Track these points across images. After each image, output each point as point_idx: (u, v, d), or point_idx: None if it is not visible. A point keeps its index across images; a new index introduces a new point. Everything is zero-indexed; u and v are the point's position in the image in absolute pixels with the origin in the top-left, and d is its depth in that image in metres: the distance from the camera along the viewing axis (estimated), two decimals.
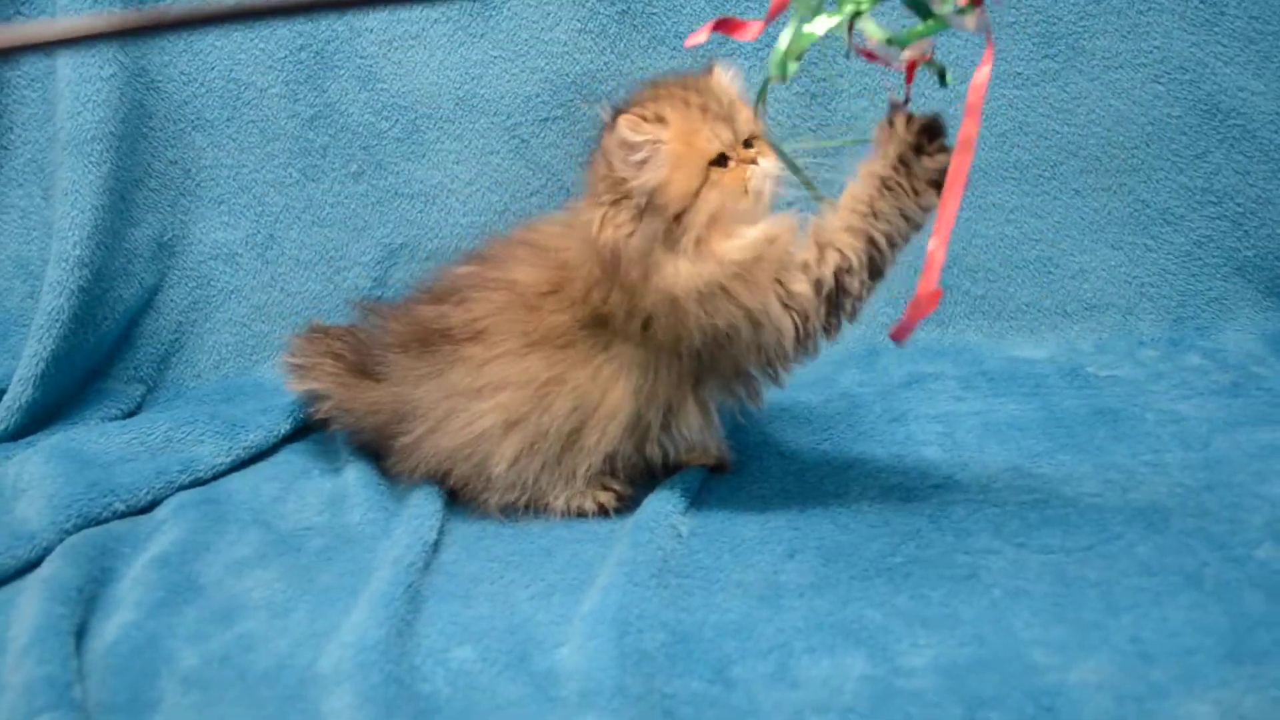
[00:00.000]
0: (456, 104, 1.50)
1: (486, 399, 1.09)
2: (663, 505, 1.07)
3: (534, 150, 1.51)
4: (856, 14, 0.86)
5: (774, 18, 0.88)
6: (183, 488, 1.19)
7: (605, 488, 1.12)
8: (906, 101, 1.04)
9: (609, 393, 1.07)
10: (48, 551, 1.04)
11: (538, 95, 1.51)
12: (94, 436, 1.26)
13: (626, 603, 0.88)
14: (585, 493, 1.11)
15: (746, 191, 1.02)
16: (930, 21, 0.86)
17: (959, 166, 0.86)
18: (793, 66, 0.85)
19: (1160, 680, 0.79)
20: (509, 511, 1.11)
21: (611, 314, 1.06)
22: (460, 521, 1.11)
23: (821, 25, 0.84)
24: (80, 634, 0.90)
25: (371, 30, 1.49)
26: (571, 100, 1.51)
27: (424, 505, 1.09)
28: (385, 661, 0.82)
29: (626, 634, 0.85)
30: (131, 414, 1.42)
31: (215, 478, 1.23)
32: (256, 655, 0.88)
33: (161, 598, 0.97)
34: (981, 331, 1.55)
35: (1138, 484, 1.11)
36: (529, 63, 1.50)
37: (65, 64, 1.40)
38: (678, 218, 0.99)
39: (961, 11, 0.84)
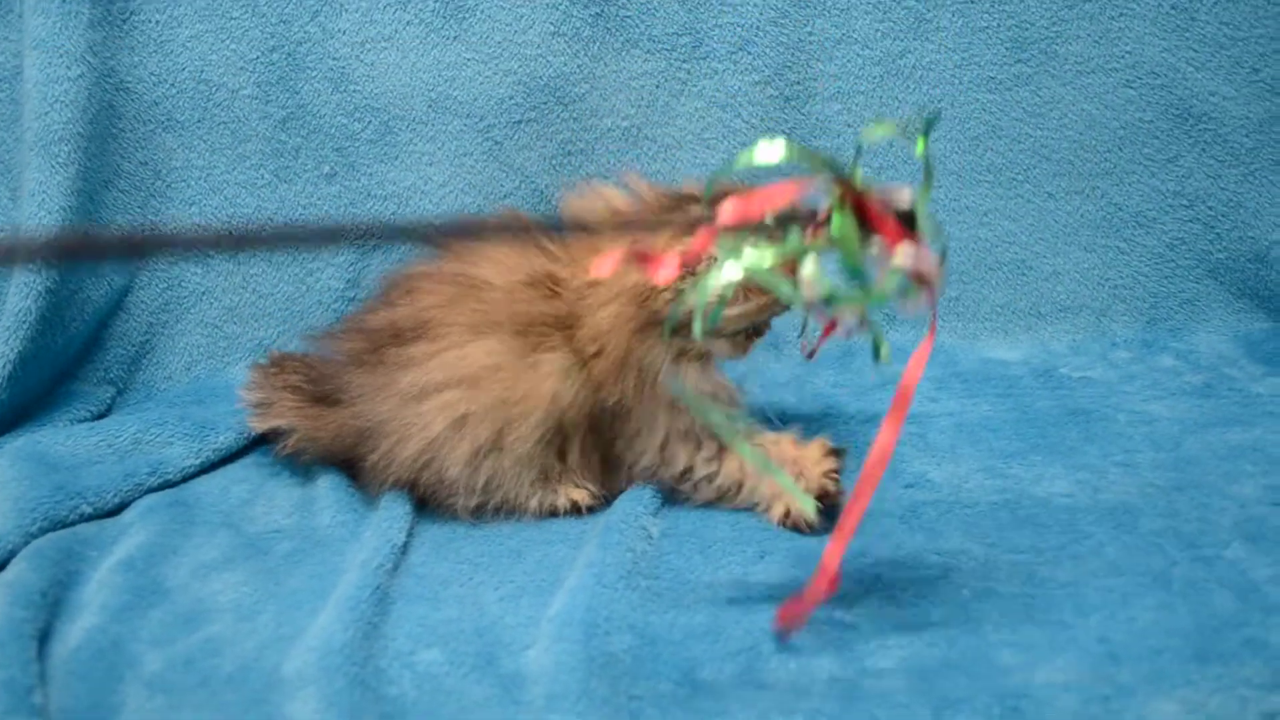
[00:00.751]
0: (429, 106, 1.49)
1: (432, 398, 1.08)
2: (633, 506, 1.06)
3: (507, 152, 1.50)
4: (803, 253, 0.79)
5: (693, 263, 0.85)
6: (151, 490, 1.18)
7: (578, 485, 1.11)
8: (812, 355, 1.06)
9: (535, 389, 1.07)
10: (13, 555, 1.03)
11: (511, 98, 1.50)
12: (61, 439, 1.25)
13: (594, 605, 0.88)
14: (558, 490, 1.11)
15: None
16: (869, 295, 0.79)
17: (870, 473, 0.81)
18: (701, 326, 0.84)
19: (1127, 680, 0.79)
20: (480, 515, 1.10)
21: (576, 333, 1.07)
22: (430, 523, 1.10)
23: (754, 260, 0.79)
24: (43, 638, 0.89)
25: (344, 32, 1.48)
26: (545, 103, 1.51)
27: (394, 508, 1.09)
28: (350, 665, 0.82)
29: (594, 636, 0.84)
30: (101, 416, 1.40)
31: (184, 480, 1.22)
32: (222, 659, 0.87)
33: (127, 601, 0.96)
34: (955, 333, 1.55)
35: (1108, 484, 1.11)
36: (502, 65, 1.49)
37: (32, 64, 1.38)
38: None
39: (905, 293, 0.79)
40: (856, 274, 0.78)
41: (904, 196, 0.79)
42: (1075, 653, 0.83)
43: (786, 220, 0.79)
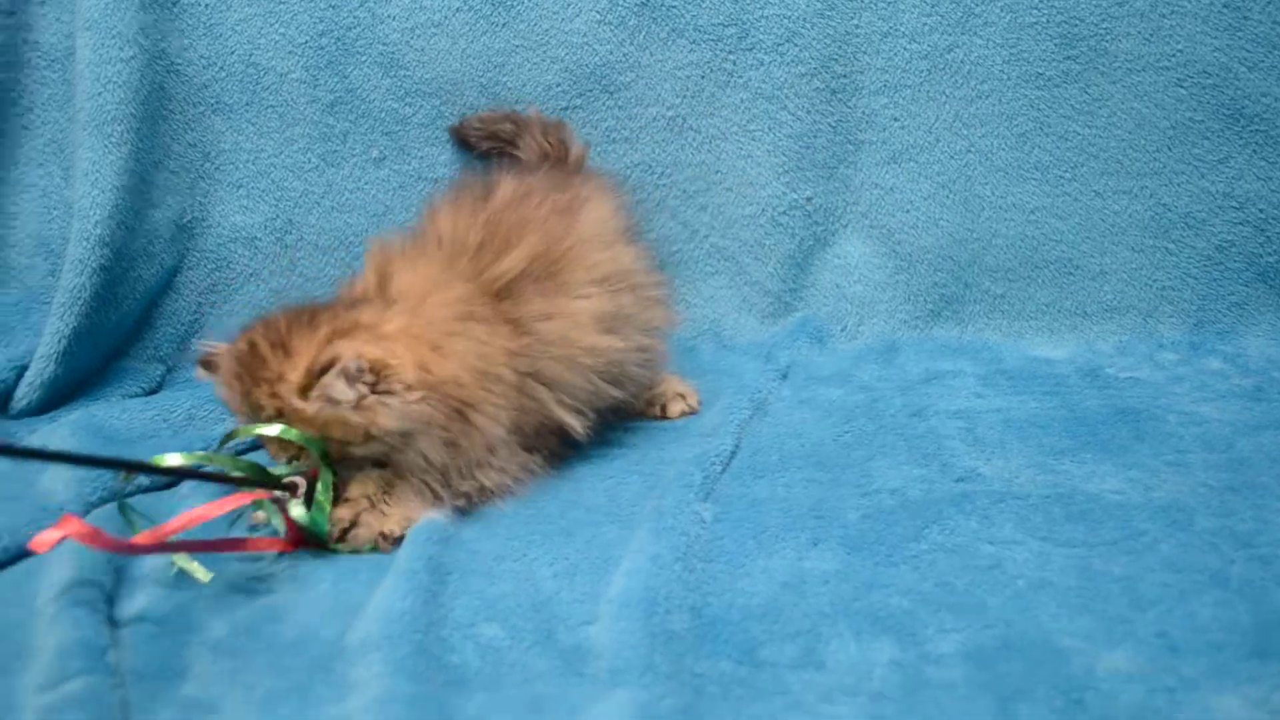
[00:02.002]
0: (479, 92, 1.50)
1: None
2: (684, 492, 1.06)
3: None
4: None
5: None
6: None
7: (528, 449, 1.12)
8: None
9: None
10: None
11: (557, 84, 1.51)
12: (117, 413, 1.27)
13: (653, 584, 0.88)
14: (506, 467, 1.09)
15: None
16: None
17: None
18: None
19: (1189, 673, 0.78)
20: (462, 510, 1.07)
21: None
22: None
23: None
24: (111, 602, 0.90)
25: (394, 17, 1.49)
26: (590, 90, 1.52)
27: None
28: (414, 632, 0.82)
29: (654, 614, 0.84)
30: (151, 392, 1.42)
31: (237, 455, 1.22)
32: (283, 626, 0.87)
33: None
34: (1000, 330, 1.55)
35: (1160, 483, 1.10)
36: (549, 52, 1.50)
37: (85, 45, 1.40)
38: None
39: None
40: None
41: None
42: (1134, 645, 0.82)
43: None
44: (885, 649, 0.82)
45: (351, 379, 0.96)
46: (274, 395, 0.99)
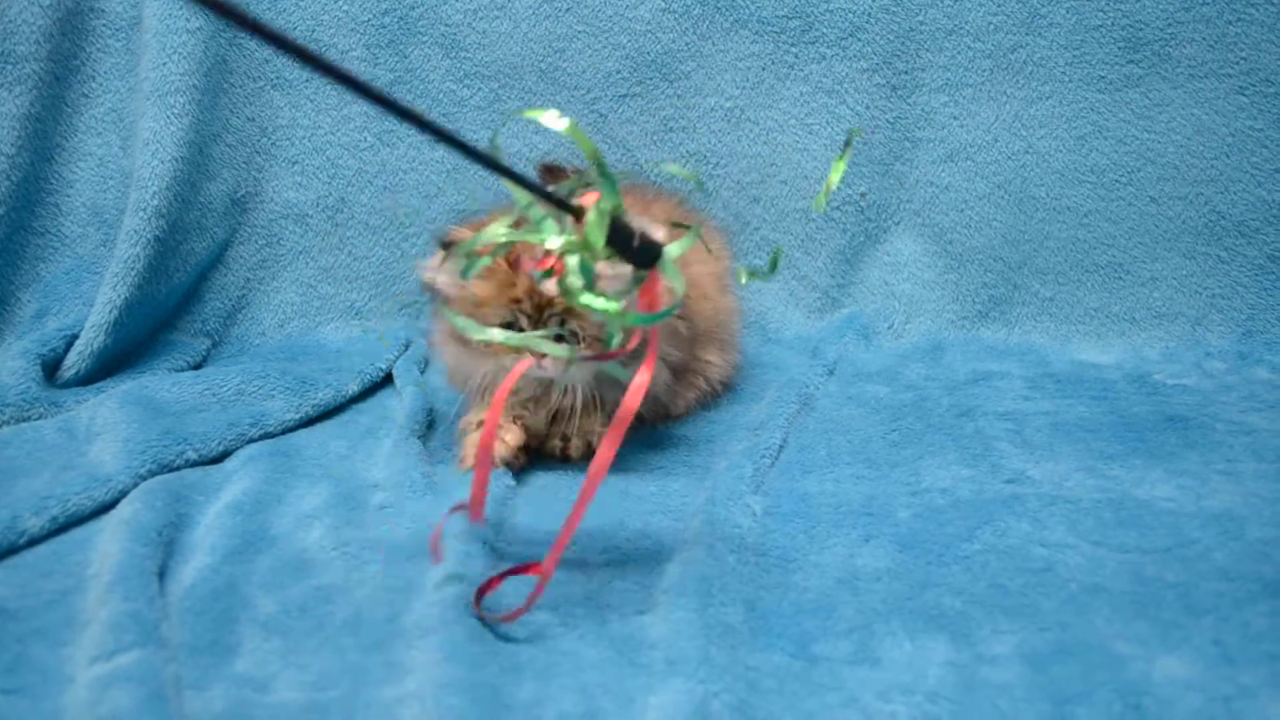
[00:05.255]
0: (539, 76, 1.50)
1: None
2: (735, 484, 1.07)
3: (611, 125, 1.51)
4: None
5: None
6: (252, 440, 1.20)
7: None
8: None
9: None
10: (123, 494, 1.05)
11: (618, 71, 1.51)
12: (167, 385, 1.27)
13: (708, 575, 0.88)
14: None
15: None
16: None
17: (590, 482, 0.83)
18: None
19: (1247, 682, 0.78)
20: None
21: None
22: (526, 483, 1.13)
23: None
24: (160, 576, 0.90)
25: None
26: (650, 79, 1.51)
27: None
28: (468, 618, 0.82)
29: (709, 605, 0.84)
30: (197, 366, 1.43)
31: (283, 432, 1.24)
32: (335, 606, 0.88)
33: (236, 545, 0.97)
34: (1048, 334, 1.54)
35: (1211, 491, 1.09)
36: (611, 39, 1.50)
37: (152, 14, 1.41)
38: None
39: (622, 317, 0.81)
40: (587, 273, 0.79)
41: (659, 234, 0.83)
42: (1189, 652, 0.82)
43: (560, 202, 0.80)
44: (940, 648, 0.82)
45: None
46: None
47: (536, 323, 1.05)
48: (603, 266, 0.83)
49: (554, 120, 0.80)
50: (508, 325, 1.04)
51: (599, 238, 0.77)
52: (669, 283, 0.82)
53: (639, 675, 0.78)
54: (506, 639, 0.83)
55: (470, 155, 0.73)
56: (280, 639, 0.84)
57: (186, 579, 0.92)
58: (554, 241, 0.80)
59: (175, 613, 0.86)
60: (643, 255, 0.80)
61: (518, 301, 1.05)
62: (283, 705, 0.76)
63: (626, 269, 0.83)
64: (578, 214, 0.78)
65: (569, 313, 1.04)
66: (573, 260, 0.79)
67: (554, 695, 0.77)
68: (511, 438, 1.12)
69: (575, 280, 0.79)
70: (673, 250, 0.82)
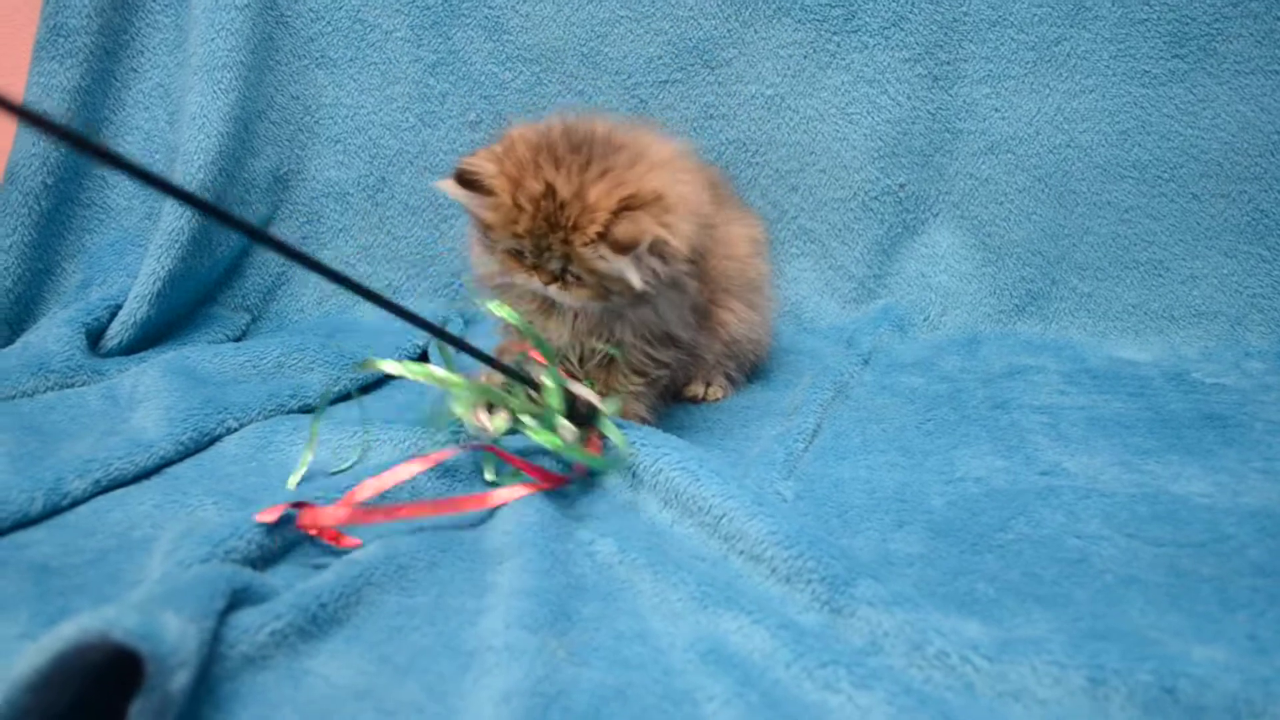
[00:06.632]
0: (581, 61, 1.50)
1: None
2: (766, 471, 1.07)
3: (651, 111, 1.52)
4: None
5: None
6: (291, 412, 1.21)
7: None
8: None
9: None
10: (164, 461, 1.06)
11: (659, 57, 1.51)
12: (207, 356, 1.29)
13: (752, 530, 0.92)
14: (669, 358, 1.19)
15: None
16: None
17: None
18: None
19: None
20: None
21: None
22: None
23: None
24: None
25: None
26: (691, 65, 1.52)
27: None
28: (543, 539, 0.89)
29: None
30: (236, 340, 1.44)
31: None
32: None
33: None
34: (1085, 329, 1.53)
35: (1249, 489, 1.09)
36: (654, 25, 1.50)
37: None
38: None
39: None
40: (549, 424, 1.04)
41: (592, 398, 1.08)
42: (1223, 645, 0.81)
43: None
44: (972, 630, 0.82)
45: (642, 259, 1.02)
46: (566, 242, 1.03)
47: (538, 258, 1.06)
48: (563, 427, 1.04)
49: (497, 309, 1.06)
50: (515, 253, 1.06)
51: (559, 404, 1.04)
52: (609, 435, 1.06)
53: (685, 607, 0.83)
54: (574, 564, 0.88)
55: (437, 334, 0.92)
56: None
57: None
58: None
59: None
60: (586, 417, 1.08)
61: (520, 238, 1.05)
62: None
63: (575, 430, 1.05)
64: (536, 386, 1.05)
65: (567, 257, 1.05)
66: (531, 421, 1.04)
67: (612, 613, 0.82)
68: (500, 421, 1.13)
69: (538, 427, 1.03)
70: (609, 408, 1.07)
